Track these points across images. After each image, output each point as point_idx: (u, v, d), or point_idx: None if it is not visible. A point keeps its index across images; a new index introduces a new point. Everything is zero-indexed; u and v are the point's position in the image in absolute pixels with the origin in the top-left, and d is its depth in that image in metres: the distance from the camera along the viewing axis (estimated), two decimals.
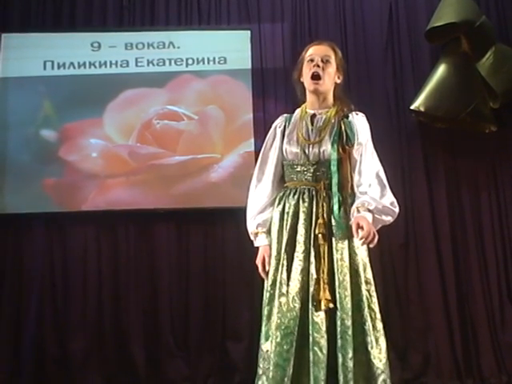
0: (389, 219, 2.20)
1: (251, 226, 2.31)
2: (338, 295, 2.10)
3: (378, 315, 2.16)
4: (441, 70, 3.82)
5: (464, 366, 3.62)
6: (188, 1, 4.15)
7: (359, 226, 2.07)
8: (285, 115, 2.42)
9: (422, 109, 3.78)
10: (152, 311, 3.77)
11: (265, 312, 2.19)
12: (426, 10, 4.07)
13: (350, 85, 4.03)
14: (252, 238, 2.33)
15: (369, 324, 2.11)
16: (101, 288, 3.79)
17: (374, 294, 2.18)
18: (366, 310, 2.13)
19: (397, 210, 2.21)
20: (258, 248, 2.32)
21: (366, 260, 2.22)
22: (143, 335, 3.72)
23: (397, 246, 3.83)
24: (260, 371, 2.15)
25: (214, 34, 4.09)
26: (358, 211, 2.13)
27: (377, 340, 2.12)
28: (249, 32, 4.04)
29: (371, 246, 2.12)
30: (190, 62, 4.03)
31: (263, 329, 2.18)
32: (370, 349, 2.10)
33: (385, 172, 2.31)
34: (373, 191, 2.19)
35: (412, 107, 3.82)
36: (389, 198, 2.21)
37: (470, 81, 3.75)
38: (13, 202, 3.82)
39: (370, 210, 2.13)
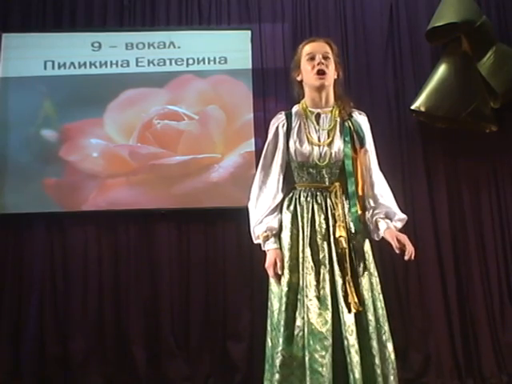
0: (400, 226, 2.24)
1: (259, 229, 2.22)
2: (363, 296, 2.11)
3: (385, 312, 2.18)
4: (441, 69, 3.82)
5: (464, 366, 3.62)
6: (189, 1, 4.15)
7: (400, 243, 2.12)
8: (283, 113, 2.34)
9: (422, 109, 3.78)
10: (152, 311, 3.77)
11: (282, 316, 2.11)
12: (426, 10, 4.07)
13: (350, 85, 4.04)
14: (260, 241, 2.23)
15: (383, 322, 2.14)
16: (101, 288, 3.79)
17: (380, 291, 2.20)
18: (380, 309, 2.16)
19: (406, 217, 2.26)
20: (263, 251, 2.25)
21: (372, 259, 2.23)
22: (144, 335, 3.72)
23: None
24: (278, 376, 2.07)
25: (214, 34, 4.09)
26: (387, 224, 2.17)
27: (388, 336, 2.15)
28: (249, 32, 4.04)
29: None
30: (190, 61, 4.03)
31: (281, 334, 2.09)
32: (387, 345, 2.13)
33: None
34: (391, 202, 2.23)
35: (412, 107, 3.82)
36: (397, 207, 2.25)
37: (471, 81, 3.75)
38: (13, 202, 3.82)
39: (391, 220, 2.19)
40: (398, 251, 2.13)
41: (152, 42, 4.03)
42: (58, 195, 3.85)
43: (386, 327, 2.14)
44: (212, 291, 3.80)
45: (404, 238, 2.14)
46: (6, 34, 4.00)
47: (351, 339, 2.04)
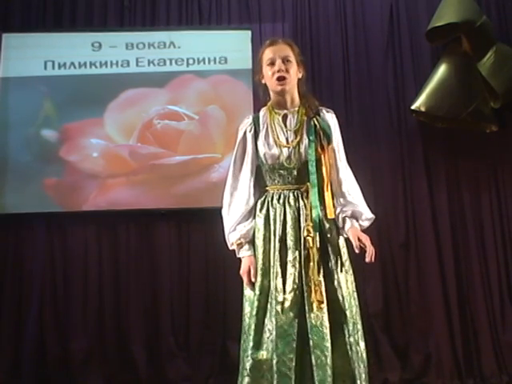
0: (367, 225, 2.22)
1: (233, 236, 2.22)
2: (342, 295, 2.11)
3: (359, 310, 2.18)
4: (441, 69, 3.82)
5: (465, 365, 3.62)
6: (189, 1, 4.15)
7: (360, 242, 2.10)
8: (250, 117, 2.32)
9: (422, 109, 3.78)
10: (153, 311, 3.77)
11: (253, 321, 2.11)
12: (426, 10, 4.07)
13: (350, 85, 4.05)
14: (234, 248, 2.23)
15: (356, 319, 2.14)
16: (101, 288, 3.80)
17: (355, 289, 2.19)
18: (354, 307, 2.15)
19: (374, 216, 2.24)
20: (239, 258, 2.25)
21: (347, 257, 2.22)
22: (144, 335, 3.72)
23: (397, 246, 3.83)
24: (248, 380, 2.08)
25: (214, 34, 4.10)
26: (351, 221, 2.17)
27: (361, 335, 2.14)
28: (249, 32, 4.04)
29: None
30: (190, 61, 4.03)
31: (251, 338, 2.10)
32: (360, 343, 2.12)
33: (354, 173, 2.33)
34: (359, 200, 2.22)
35: (413, 107, 3.82)
36: (366, 206, 2.24)
37: (471, 81, 3.75)
38: (13, 202, 3.82)
39: (357, 220, 2.18)
40: (357, 250, 2.11)
41: (152, 42, 4.03)
42: (58, 195, 3.85)
43: (359, 325, 2.14)
44: (212, 291, 3.80)
45: (366, 239, 2.13)
46: (6, 34, 4.00)
47: (316, 339, 2.04)
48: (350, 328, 2.09)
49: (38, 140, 3.90)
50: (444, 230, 3.85)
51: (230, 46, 4.04)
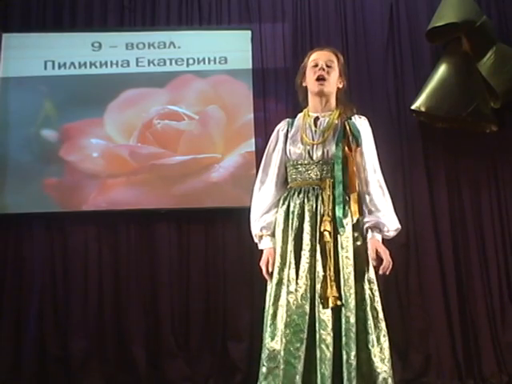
0: (392, 235, 2.25)
1: (255, 228, 2.33)
2: (343, 292, 2.12)
3: (381, 315, 2.18)
4: (441, 69, 3.82)
5: (465, 366, 3.62)
6: (189, 1, 4.15)
7: (377, 254, 2.14)
8: (287, 120, 2.45)
9: (422, 109, 3.78)
10: (153, 311, 3.77)
11: (270, 311, 2.18)
12: (426, 10, 4.07)
13: (350, 85, 4.01)
14: (256, 240, 2.34)
15: (370, 322, 2.14)
16: (101, 288, 3.79)
17: (376, 293, 2.20)
18: (369, 308, 2.15)
19: (400, 227, 2.26)
20: (261, 250, 2.33)
21: (370, 260, 2.24)
22: (144, 335, 3.72)
23: (397, 246, 3.82)
24: (265, 370, 2.14)
25: (214, 34, 4.10)
26: (372, 231, 2.19)
27: (378, 339, 2.14)
28: (250, 32, 4.04)
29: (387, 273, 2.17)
30: (190, 61, 4.03)
31: (268, 328, 2.17)
32: (370, 347, 2.12)
33: (384, 176, 2.34)
34: (385, 209, 2.22)
35: (413, 107, 3.82)
36: (394, 215, 2.25)
37: (471, 81, 3.75)
38: (13, 202, 3.82)
39: (380, 231, 2.20)
40: (373, 263, 2.17)
41: (152, 42, 4.03)
42: (58, 195, 3.85)
43: (376, 329, 2.14)
44: (212, 291, 3.80)
45: (384, 253, 2.17)
46: (6, 34, 4.00)
47: (323, 334, 2.08)
48: (348, 328, 2.09)
49: (38, 140, 3.90)
50: (444, 230, 3.85)
51: (230, 45, 4.03)
